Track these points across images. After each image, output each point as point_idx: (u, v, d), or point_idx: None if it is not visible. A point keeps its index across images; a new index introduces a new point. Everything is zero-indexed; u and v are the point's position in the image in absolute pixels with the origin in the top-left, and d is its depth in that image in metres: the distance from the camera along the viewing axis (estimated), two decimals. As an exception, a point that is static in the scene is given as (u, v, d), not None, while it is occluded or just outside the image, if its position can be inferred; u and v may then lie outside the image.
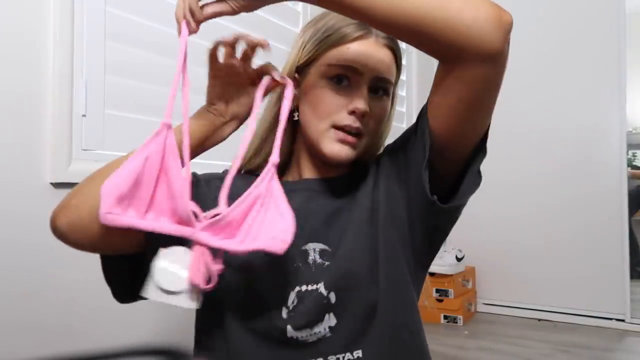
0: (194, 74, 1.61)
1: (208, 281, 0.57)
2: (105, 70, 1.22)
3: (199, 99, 1.52)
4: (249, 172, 0.77)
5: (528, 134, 2.62)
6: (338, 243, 0.69)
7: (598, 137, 2.51)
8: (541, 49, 2.65)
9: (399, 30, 0.58)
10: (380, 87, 0.71)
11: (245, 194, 0.60)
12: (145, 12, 1.32)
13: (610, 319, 2.45)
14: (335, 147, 0.69)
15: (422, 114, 0.67)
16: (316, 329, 0.65)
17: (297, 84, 0.73)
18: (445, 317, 2.48)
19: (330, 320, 0.66)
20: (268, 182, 0.61)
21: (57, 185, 1.11)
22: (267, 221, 0.59)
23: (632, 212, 2.64)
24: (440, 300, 2.49)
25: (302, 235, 0.69)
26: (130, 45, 1.29)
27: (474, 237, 2.59)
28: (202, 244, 0.57)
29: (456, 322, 2.46)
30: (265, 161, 0.73)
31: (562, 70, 2.60)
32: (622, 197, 2.43)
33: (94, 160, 1.19)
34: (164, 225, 0.58)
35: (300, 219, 0.70)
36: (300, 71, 0.73)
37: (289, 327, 0.65)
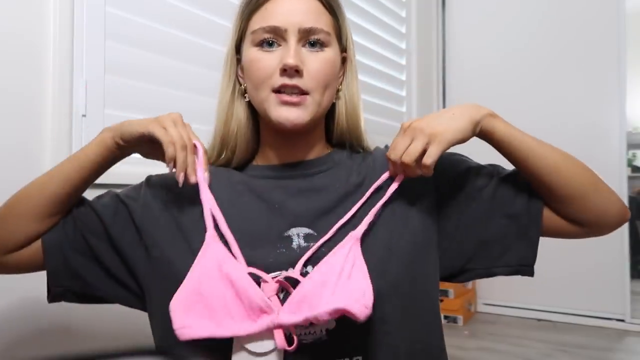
0: (196, 74, 1.61)
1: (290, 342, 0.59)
2: (105, 70, 1.22)
3: (202, 100, 1.52)
4: (224, 166, 0.76)
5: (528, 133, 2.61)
6: (324, 228, 0.66)
7: (598, 137, 2.51)
8: (541, 49, 2.64)
9: (547, 183, 0.67)
10: (314, 39, 0.66)
11: (322, 263, 0.61)
12: (145, 12, 1.32)
13: (610, 319, 2.45)
14: (282, 112, 0.65)
15: (537, 211, 0.71)
16: (312, 328, 0.61)
17: (239, 62, 0.73)
18: (446, 317, 2.48)
19: (330, 322, 0.61)
20: (348, 252, 0.62)
21: (57, 185, 1.11)
22: (350, 286, 0.59)
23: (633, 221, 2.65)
24: (440, 300, 2.49)
25: (284, 221, 0.67)
26: (130, 45, 1.29)
27: (474, 237, 2.58)
28: (287, 326, 0.58)
29: (456, 322, 2.46)
30: (234, 154, 0.74)
31: (562, 70, 2.60)
32: (622, 197, 2.41)
33: (94, 160, 1.19)
34: (245, 327, 0.58)
35: (281, 202, 0.68)
36: (238, 50, 0.72)
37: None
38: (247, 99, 0.73)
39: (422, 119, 0.64)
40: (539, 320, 2.50)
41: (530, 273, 0.73)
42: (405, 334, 0.65)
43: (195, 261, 0.61)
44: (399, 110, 2.57)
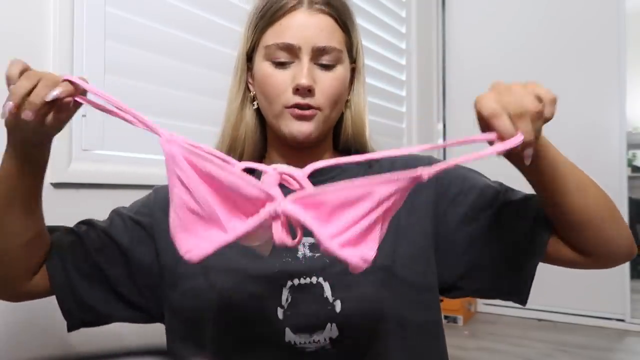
0: (196, 74, 1.60)
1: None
2: (105, 70, 1.22)
3: (202, 100, 1.52)
4: None
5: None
6: None
7: (598, 137, 2.51)
8: (541, 49, 2.64)
9: (564, 209, 0.62)
10: (326, 56, 0.67)
11: (357, 183, 0.48)
12: (145, 12, 1.32)
13: (610, 319, 2.45)
14: (294, 126, 0.66)
15: (543, 231, 0.66)
16: (316, 337, 0.61)
17: (249, 69, 0.72)
18: (446, 317, 2.48)
19: (332, 331, 0.62)
20: (398, 190, 0.49)
21: (57, 185, 1.11)
22: (373, 234, 0.49)
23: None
24: (440, 300, 2.49)
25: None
26: (130, 45, 1.29)
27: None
28: (290, 217, 0.47)
29: (456, 322, 2.46)
30: (241, 159, 0.73)
31: (562, 70, 2.60)
32: (622, 197, 2.43)
33: (94, 160, 1.19)
34: (249, 224, 0.49)
35: None
36: (250, 59, 0.72)
37: (287, 330, 0.62)
38: (255, 106, 0.73)
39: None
40: (539, 320, 2.50)
41: (522, 302, 0.69)
42: (405, 344, 0.65)
43: (169, 177, 0.53)
44: (399, 110, 2.57)
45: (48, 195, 1.12)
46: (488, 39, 2.81)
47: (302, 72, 0.64)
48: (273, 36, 0.66)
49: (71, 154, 1.14)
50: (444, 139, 2.83)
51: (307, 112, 0.66)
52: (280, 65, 0.66)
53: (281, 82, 0.66)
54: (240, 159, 0.73)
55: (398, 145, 2.56)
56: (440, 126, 2.86)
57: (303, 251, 0.66)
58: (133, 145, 1.28)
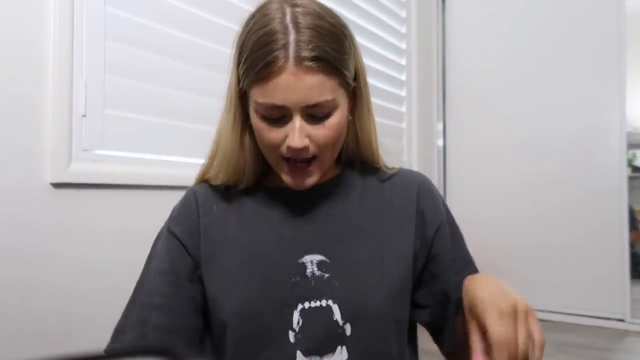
0: (196, 74, 1.60)
1: None
2: (105, 70, 1.22)
3: (202, 100, 1.52)
4: (234, 186, 0.72)
5: (528, 135, 2.62)
6: (337, 255, 0.66)
7: (598, 137, 2.51)
8: (541, 50, 2.65)
9: None
10: (319, 110, 0.62)
11: None
12: (145, 12, 1.32)
13: (610, 319, 2.45)
14: (291, 179, 0.66)
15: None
16: (326, 358, 0.62)
17: (244, 103, 0.68)
18: (445, 317, 2.48)
19: (342, 354, 0.63)
20: None
21: (57, 185, 1.11)
22: None
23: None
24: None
25: (298, 246, 0.67)
26: (130, 45, 1.29)
27: (474, 238, 2.58)
28: None
29: (456, 322, 2.46)
30: (244, 176, 0.71)
31: (562, 70, 2.60)
32: (622, 197, 2.43)
33: (93, 160, 1.19)
34: None
35: (293, 229, 0.68)
36: (244, 93, 0.67)
37: (298, 353, 0.62)
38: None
39: (494, 296, 0.56)
40: (539, 320, 2.50)
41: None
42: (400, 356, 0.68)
43: None
44: (399, 110, 2.57)
45: (48, 195, 1.13)
46: (488, 39, 2.81)
47: (294, 134, 0.61)
48: (261, 94, 0.61)
49: (71, 154, 1.15)
50: (444, 139, 2.83)
51: (304, 169, 0.65)
52: (271, 121, 0.63)
53: (274, 138, 0.63)
54: (243, 177, 0.71)
55: (398, 145, 2.56)
56: (440, 126, 2.86)
57: (311, 269, 0.66)
58: (133, 145, 1.29)
